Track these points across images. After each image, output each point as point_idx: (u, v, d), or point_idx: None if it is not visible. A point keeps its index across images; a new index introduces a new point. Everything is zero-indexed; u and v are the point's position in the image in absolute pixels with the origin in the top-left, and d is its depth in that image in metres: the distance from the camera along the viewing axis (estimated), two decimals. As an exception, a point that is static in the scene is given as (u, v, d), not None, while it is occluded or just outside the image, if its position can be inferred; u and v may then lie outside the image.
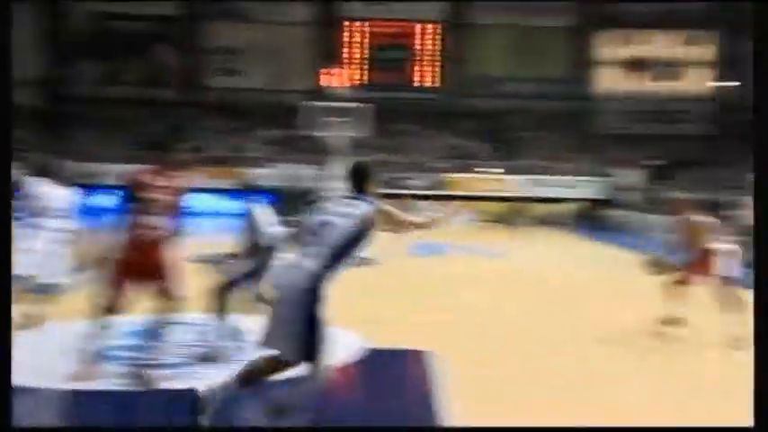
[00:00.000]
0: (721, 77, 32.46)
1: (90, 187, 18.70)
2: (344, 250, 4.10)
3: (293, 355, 3.92)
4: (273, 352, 3.99)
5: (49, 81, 30.65)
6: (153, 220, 4.95)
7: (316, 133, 26.82)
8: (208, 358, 5.68)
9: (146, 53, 31.87)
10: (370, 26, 33.22)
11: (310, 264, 4.00)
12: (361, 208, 4.14)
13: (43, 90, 30.43)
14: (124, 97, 29.99)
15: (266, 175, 27.98)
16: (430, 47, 33.51)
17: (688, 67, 33.17)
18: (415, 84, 33.65)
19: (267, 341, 3.99)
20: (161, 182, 5.02)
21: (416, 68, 33.76)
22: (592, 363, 6.28)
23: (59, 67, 31.59)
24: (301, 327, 3.87)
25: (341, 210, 4.22)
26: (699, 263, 7.14)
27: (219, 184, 26.20)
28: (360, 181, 4.39)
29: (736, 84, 31.77)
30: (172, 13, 32.14)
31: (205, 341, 5.93)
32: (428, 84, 33.72)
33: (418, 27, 33.46)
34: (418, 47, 33.64)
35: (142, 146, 26.95)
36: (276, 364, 4.06)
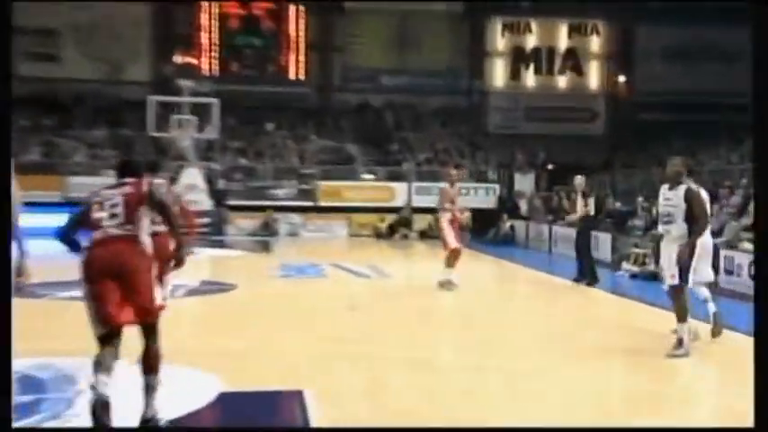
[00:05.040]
0: (614, 72, 30.85)
1: None
2: None
3: None
4: None
5: None
6: None
7: (156, 133, 24.07)
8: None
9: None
10: (221, 5, 28.78)
11: None
12: None
13: None
14: None
15: (92, 184, 23.08)
16: (294, 33, 29.37)
17: (582, 60, 30.88)
18: (279, 76, 29.48)
19: None
20: None
21: (279, 58, 29.72)
22: (484, 388, 5.94)
23: None
24: None
25: None
26: None
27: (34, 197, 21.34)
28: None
29: (625, 79, 30.53)
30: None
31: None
32: (293, 76, 29.74)
33: (280, 9, 29.35)
34: (280, 32, 29.53)
35: None
36: None
